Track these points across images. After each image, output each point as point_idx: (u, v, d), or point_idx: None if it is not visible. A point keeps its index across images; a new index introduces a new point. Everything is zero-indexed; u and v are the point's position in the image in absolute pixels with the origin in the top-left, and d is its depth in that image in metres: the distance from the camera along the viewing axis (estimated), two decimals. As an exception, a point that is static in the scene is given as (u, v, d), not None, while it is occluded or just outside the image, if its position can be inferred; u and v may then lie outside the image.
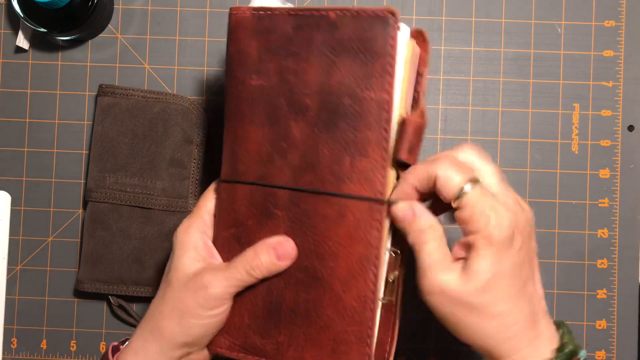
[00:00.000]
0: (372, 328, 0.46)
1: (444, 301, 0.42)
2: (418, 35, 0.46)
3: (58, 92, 0.66)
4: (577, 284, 0.64)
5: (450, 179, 0.42)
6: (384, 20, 0.44)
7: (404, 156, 0.44)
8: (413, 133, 0.44)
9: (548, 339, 0.43)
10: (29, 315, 0.65)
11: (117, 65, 0.66)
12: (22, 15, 0.60)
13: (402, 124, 0.45)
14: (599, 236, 0.64)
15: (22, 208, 0.66)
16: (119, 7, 0.66)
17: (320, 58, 0.45)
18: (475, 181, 0.42)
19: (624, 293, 0.64)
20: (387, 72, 0.44)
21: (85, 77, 0.66)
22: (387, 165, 0.44)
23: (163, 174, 0.62)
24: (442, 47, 0.65)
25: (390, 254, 0.47)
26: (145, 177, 0.62)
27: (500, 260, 0.41)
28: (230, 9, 0.48)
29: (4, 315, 0.65)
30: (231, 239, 0.49)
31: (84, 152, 0.65)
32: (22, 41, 0.65)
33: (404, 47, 0.45)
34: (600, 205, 0.64)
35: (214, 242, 0.50)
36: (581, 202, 0.64)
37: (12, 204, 0.66)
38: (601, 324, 0.64)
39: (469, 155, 0.44)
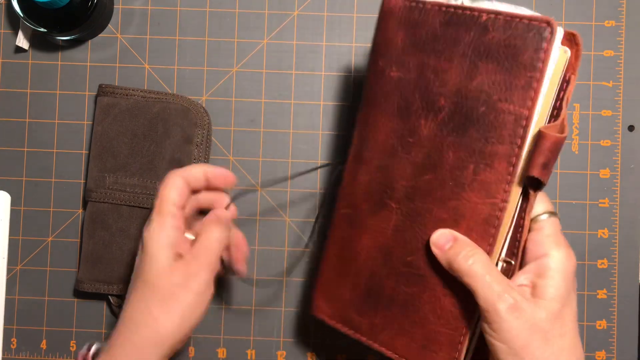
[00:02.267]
0: (465, 335, 0.46)
1: (521, 326, 0.41)
2: (569, 38, 0.44)
3: (58, 92, 0.66)
4: (577, 284, 0.64)
5: (536, 202, 0.44)
6: (538, 30, 0.41)
7: (536, 173, 0.42)
8: (549, 148, 0.41)
9: None
10: (29, 315, 0.65)
11: (117, 65, 0.66)
12: (22, 15, 0.60)
13: (539, 138, 0.41)
14: (599, 236, 0.64)
15: (22, 208, 0.66)
16: (119, 7, 0.66)
17: (463, 60, 0.44)
18: (553, 214, 0.45)
19: (624, 293, 0.64)
20: (532, 87, 0.41)
21: (85, 77, 0.66)
22: (512, 181, 0.43)
23: (163, 174, 0.62)
24: (442, 47, 0.65)
25: (502, 265, 0.46)
26: (145, 177, 0.62)
27: (569, 293, 0.42)
28: None
29: (4, 315, 0.65)
30: (342, 219, 0.51)
31: (84, 152, 0.65)
32: (22, 41, 0.65)
33: (555, 59, 0.42)
34: (600, 205, 0.64)
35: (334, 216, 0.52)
36: (581, 202, 0.64)
37: (12, 204, 0.66)
38: (601, 324, 0.64)
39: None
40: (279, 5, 0.65)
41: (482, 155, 0.43)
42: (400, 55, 0.47)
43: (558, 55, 0.43)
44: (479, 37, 0.43)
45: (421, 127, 0.46)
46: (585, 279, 0.64)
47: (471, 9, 0.43)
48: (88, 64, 0.66)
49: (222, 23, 0.66)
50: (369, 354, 0.64)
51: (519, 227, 0.45)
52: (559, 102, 0.43)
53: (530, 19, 0.41)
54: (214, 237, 0.50)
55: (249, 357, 0.65)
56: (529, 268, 0.44)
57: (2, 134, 0.66)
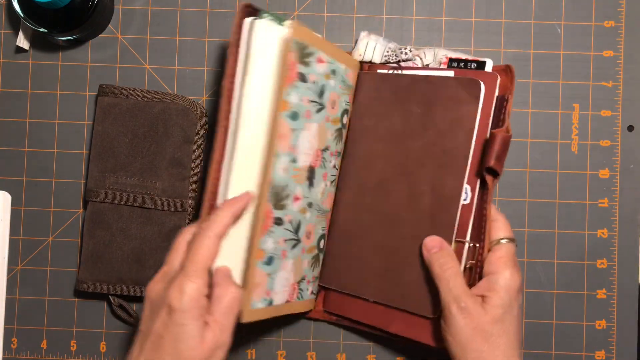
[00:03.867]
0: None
1: (467, 325, 0.51)
2: (505, 68, 0.58)
3: (58, 92, 0.66)
4: (577, 284, 0.64)
5: (500, 229, 0.55)
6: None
7: (492, 163, 0.53)
8: (500, 144, 0.53)
9: None
10: (29, 315, 0.65)
11: (117, 65, 0.66)
12: (23, 16, 0.60)
13: (491, 137, 0.54)
14: (598, 236, 0.64)
15: (22, 208, 0.66)
16: (119, 7, 0.66)
17: None
18: (513, 241, 0.55)
19: (624, 293, 0.64)
20: (230, 57, 0.53)
21: (85, 77, 0.66)
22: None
23: (163, 174, 0.62)
24: (442, 47, 0.65)
25: (469, 246, 0.56)
26: (145, 177, 0.62)
27: (511, 303, 0.52)
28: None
29: (4, 315, 0.65)
30: None
31: (84, 152, 0.66)
32: (22, 41, 0.65)
33: (263, 39, 0.52)
34: (600, 205, 0.64)
35: None
36: (581, 202, 0.64)
37: (12, 204, 0.66)
38: (601, 324, 0.64)
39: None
40: (279, 5, 0.66)
41: None
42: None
43: (272, 37, 0.52)
44: None
45: None
46: (585, 279, 0.64)
47: None
48: (88, 64, 0.66)
49: (222, 23, 0.66)
50: (369, 354, 0.64)
51: (482, 216, 0.56)
52: (502, 115, 0.56)
53: None
54: (232, 297, 0.49)
55: (249, 357, 0.65)
56: (482, 283, 0.54)
57: (2, 134, 0.66)
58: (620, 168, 0.64)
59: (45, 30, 0.61)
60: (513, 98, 0.56)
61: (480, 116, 0.56)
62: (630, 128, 0.65)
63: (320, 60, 0.56)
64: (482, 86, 0.56)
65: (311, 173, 0.57)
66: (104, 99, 0.63)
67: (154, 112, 0.62)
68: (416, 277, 0.57)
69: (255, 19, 0.53)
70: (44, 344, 0.65)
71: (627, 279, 0.64)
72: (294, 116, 0.54)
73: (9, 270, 0.66)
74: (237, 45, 0.53)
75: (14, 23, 0.66)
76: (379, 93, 0.61)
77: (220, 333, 0.48)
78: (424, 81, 0.59)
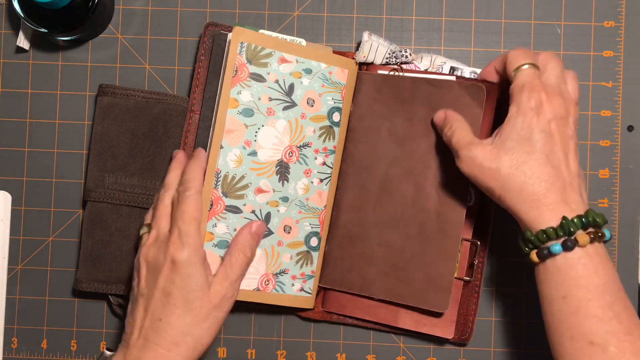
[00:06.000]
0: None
1: (475, 169, 0.52)
2: (503, 82, 0.58)
3: (58, 92, 0.66)
4: (577, 284, 0.64)
5: (514, 59, 0.53)
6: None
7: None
8: None
9: (572, 209, 0.49)
10: (29, 315, 0.65)
11: (118, 65, 0.66)
12: (23, 16, 0.60)
13: None
14: (598, 236, 0.64)
15: (23, 208, 0.66)
16: (119, 7, 0.66)
17: None
18: (533, 66, 0.52)
19: (624, 293, 0.64)
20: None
21: (85, 77, 0.66)
22: None
23: (163, 174, 0.62)
24: (442, 47, 0.65)
25: (472, 243, 0.61)
26: (144, 177, 0.62)
27: (525, 125, 0.50)
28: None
29: (4, 315, 0.65)
30: None
31: (84, 152, 0.66)
32: (22, 41, 0.65)
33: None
34: (600, 205, 0.64)
35: None
36: (581, 202, 0.64)
37: (13, 204, 0.66)
38: (601, 324, 0.64)
39: (545, 56, 0.54)
40: (279, 5, 0.66)
41: None
42: None
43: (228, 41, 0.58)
44: None
45: None
46: (585, 279, 0.64)
47: None
48: (88, 64, 0.66)
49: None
50: (369, 354, 0.64)
51: (485, 216, 0.61)
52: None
53: None
54: (246, 260, 0.56)
55: (249, 357, 0.65)
56: None
57: (2, 134, 0.66)
58: (620, 168, 0.64)
59: (45, 30, 0.61)
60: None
61: (483, 120, 0.58)
62: (630, 128, 0.65)
63: (283, 60, 0.59)
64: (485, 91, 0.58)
65: (283, 168, 0.60)
66: (104, 99, 0.63)
67: (154, 112, 0.62)
68: (424, 274, 0.59)
69: (222, 30, 0.61)
70: (44, 344, 0.65)
71: (627, 279, 0.64)
72: (247, 113, 0.58)
73: (9, 270, 0.66)
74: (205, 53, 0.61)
75: (14, 23, 0.66)
76: (380, 94, 0.61)
77: (229, 286, 0.53)
78: (427, 84, 0.60)
